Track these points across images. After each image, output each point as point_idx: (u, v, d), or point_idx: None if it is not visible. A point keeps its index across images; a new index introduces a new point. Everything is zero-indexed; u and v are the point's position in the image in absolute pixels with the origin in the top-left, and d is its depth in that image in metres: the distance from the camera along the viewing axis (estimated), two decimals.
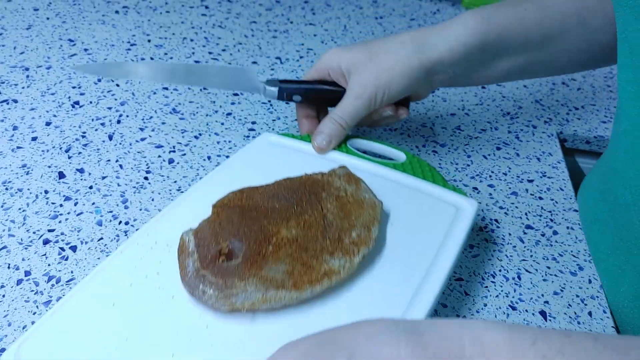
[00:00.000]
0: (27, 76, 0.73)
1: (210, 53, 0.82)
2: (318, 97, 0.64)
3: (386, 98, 0.60)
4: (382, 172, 0.59)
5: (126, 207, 0.57)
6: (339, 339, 0.33)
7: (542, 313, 0.52)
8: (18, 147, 0.63)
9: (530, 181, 0.66)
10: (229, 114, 0.70)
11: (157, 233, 0.51)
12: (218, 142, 0.66)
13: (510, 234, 0.59)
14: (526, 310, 0.52)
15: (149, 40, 0.83)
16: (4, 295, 0.48)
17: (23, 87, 0.71)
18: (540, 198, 0.64)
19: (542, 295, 0.53)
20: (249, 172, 0.58)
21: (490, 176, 0.66)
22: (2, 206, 0.56)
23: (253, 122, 0.69)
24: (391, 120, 0.65)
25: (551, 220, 0.61)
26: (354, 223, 0.50)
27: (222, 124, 0.69)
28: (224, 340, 0.44)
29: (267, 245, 0.47)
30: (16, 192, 0.57)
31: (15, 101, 0.69)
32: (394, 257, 0.50)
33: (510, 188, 0.65)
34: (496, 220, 0.60)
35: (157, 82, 0.70)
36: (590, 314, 0.52)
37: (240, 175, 0.58)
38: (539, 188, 0.65)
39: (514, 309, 0.52)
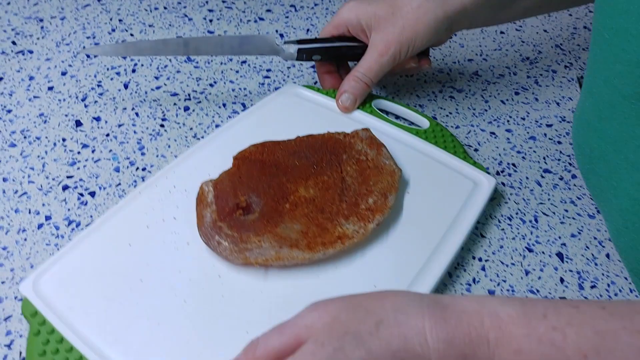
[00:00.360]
0: (42, 27, 0.73)
1: (224, 2, 0.80)
2: (338, 54, 0.63)
3: (410, 53, 0.60)
4: (403, 138, 0.58)
5: (143, 154, 0.57)
6: (368, 305, 0.35)
7: (559, 255, 0.51)
8: (35, 97, 0.63)
9: (549, 126, 0.65)
10: (243, 62, 0.70)
11: (175, 178, 0.52)
12: (233, 90, 0.65)
13: (527, 178, 0.58)
14: (543, 252, 0.52)
15: None
16: (25, 239, 0.50)
17: (38, 38, 0.71)
18: (559, 142, 0.63)
19: (559, 237, 0.53)
20: (271, 124, 0.58)
21: (508, 121, 0.65)
22: (21, 154, 0.57)
23: (268, 70, 0.69)
24: (414, 71, 0.65)
25: (570, 164, 0.60)
26: (371, 189, 0.50)
27: (237, 72, 0.68)
28: (235, 292, 0.45)
29: (285, 203, 0.48)
30: (34, 140, 0.58)
31: (31, 52, 0.69)
32: (408, 227, 0.50)
33: (528, 133, 0.64)
34: (514, 165, 0.60)
35: (173, 57, 0.69)
36: (607, 255, 0.52)
37: (262, 126, 0.58)
38: (557, 132, 0.64)
39: (530, 250, 0.52)
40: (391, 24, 0.58)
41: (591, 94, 0.53)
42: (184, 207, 0.50)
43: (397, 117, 0.64)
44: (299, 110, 0.60)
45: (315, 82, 0.67)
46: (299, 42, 0.61)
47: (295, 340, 0.34)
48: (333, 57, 0.63)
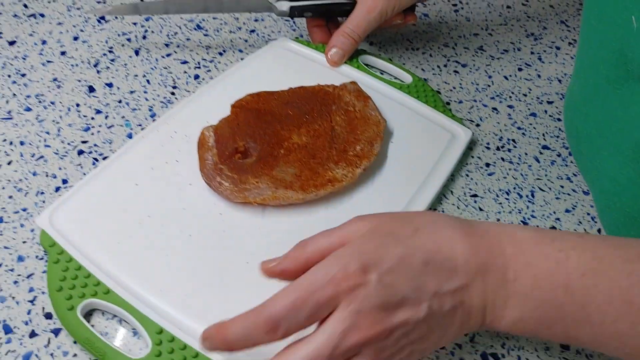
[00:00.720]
0: None
1: None
2: (328, 11, 0.66)
3: (397, 9, 0.63)
4: (387, 92, 0.63)
5: (154, 121, 0.59)
6: (406, 217, 0.41)
7: (553, 229, 0.54)
8: (48, 62, 0.64)
9: (550, 102, 0.66)
10: (252, 31, 0.71)
11: (176, 123, 0.56)
12: (242, 59, 0.67)
13: (526, 154, 0.60)
14: (537, 226, 0.54)
15: None
16: (44, 202, 0.52)
17: (49, 2, 0.71)
18: (559, 119, 0.64)
19: (554, 212, 0.55)
20: (264, 75, 0.62)
21: (510, 97, 0.67)
22: (36, 118, 0.58)
23: (276, 40, 0.70)
24: (400, 27, 0.68)
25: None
26: (359, 137, 0.54)
27: (246, 40, 0.69)
28: (236, 227, 0.49)
29: (279, 148, 0.52)
30: (49, 105, 0.60)
31: (42, 15, 0.70)
32: (392, 172, 0.55)
33: (529, 109, 0.66)
34: (513, 141, 0.62)
35: (173, 14, 0.71)
36: (599, 231, 0.54)
37: (255, 77, 0.62)
38: (558, 109, 0.66)
39: (525, 224, 0.54)
40: None
41: (579, 77, 0.55)
42: (185, 151, 0.54)
43: (382, 72, 0.67)
44: (291, 63, 0.65)
45: (301, 36, 0.68)
46: None
47: (341, 243, 0.39)
48: (323, 13, 0.67)
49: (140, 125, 0.59)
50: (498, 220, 0.54)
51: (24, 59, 0.64)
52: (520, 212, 0.55)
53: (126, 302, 0.44)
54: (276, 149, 0.52)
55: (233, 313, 0.42)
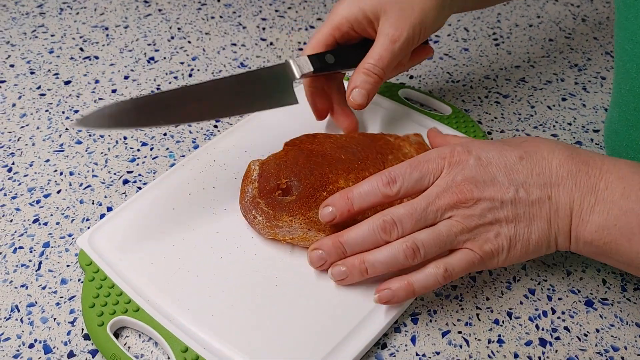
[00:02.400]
0: (107, 35, 0.78)
1: (276, 11, 0.84)
2: (352, 54, 0.56)
3: (423, 36, 0.55)
4: (426, 123, 0.62)
5: (196, 150, 0.60)
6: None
7: None
8: (100, 99, 0.67)
9: (596, 131, 0.65)
10: None
11: (215, 153, 0.58)
12: None
13: None
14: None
15: (219, 0, 0.86)
16: (88, 227, 0.53)
17: (103, 45, 0.76)
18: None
19: None
20: (304, 111, 0.61)
21: (554, 126, 0.65)
22: (86, 150, 0.61)
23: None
24: (417, 62, 0.60)
25: None
26: None
27: None
28: (267, 254, 0.49)
29: (323, 191, 0.50)
30: (98, 139, 0.62)
31: (97, 57, 0.74)
32: None
33: (574, 137, 0.64)
34: None
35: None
36: None
37: (296, 113, 0.60)
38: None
39: (572, 252, 0.52)
40: (399, 7, 0.53)
41: (618, 104, 0.53)
42: (222, 179, 0.55)
43: (422, 105, 0.67)
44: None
45: None
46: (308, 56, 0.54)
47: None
48: (347, 60, 0.56)
49: (183, 156, 0.60)
50: None
51: (78, 96, 0.68)
52: None
53: (154, 320, 0.44)
54: (319, 190, 0.50)
55: (257, 332, 0.43)
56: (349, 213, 0.46)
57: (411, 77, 0.72)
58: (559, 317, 0.47)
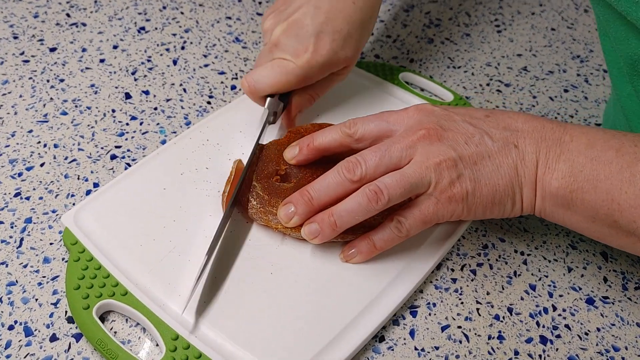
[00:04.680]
0: (95, 1, 0.74)
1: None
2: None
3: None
4: None
5: (188, 128, 0.58)
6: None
7: (603, 254, 0.51)
8: (87, 68, 0.64)
9: (598, 125, 0.64)
10: None
11: (209, 132, 0.55)
12: None
13: None
14: (587, 251, 0.51)
15: None
16: (73, 204, 0.51)
17: (91, 12, 0.72)
18: None
19: None
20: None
21: (556, 117, 0.64)
22: (72, 122, 0.58)
23: None
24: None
25: None
26: None
27: None
28: (262, 240, 0.47)
29: None
30: (85, 110, 0.59)
31: (84, 24, 0.70)
32: None
33: None
34: None
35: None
36: None
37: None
38: None
39: (574, 248, 0.51)
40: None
41: (612, 93, 0.53)
42: (216, 159, 0.53)
43: (422, 89, 0.65)
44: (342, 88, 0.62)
45: None
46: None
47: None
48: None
49: (174, 132, 0.58)
50: (544, 243, 0.51)
51: (64, 65, 0.64)
52: (568, 235, 0.52)
53: (143, 305, 0.42)
54: None
55: (251, 321, 0.41)
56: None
57: (411, 60, 0.70)
58: (559, 315, 0.46)
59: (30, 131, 0.56)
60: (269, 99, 0.53)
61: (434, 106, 0.47)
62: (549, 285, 0.48)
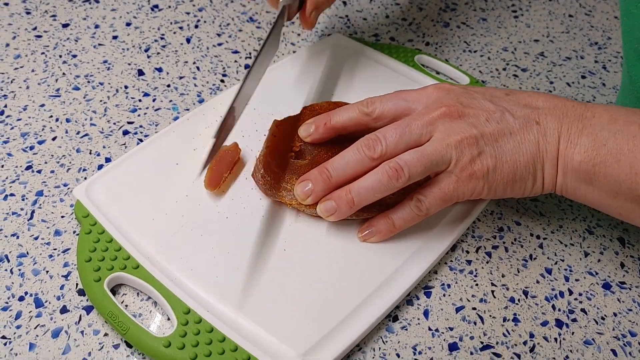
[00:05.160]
0: None
1: None
2: None
3: None
4: None
5: (201, 104, 0.57)
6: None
7: (621, 240, 0.50)
8: (100, 44, 0.64)
9: None
10: None
11: (223, 108, 0.54)
12: (294, 52, 0.65)
13: None
14: (603, 236, 0.50)
15: None
16: (85, 178, 0.50)
17: None
18: None
19: (622, 222, 0.51)
20: (315, 69, 0.60)
21: None
22: (84, 97, 0.57)
23: (329, 35, 0.68)
24: None
25: None
26: None
27: (299, 34, 0.68)
28: (274, 219, 0.47)
29: None
30: (97, 85, 0.59)
31: (97, 1, 0.69)
32: None
33: None
34: None
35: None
36: None
37: (307, 71, 0.60)
38: None
39: (590, 233, 0.50)
40: None
41: (624, 79, 0.52)
42: (229, 136, 0.50)
43: (438, 72, 0.64)
44: (343, 59, 0.62)
45: (355, 33, 0.66)
46: None
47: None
48: None
49: (187, 109, 0.57)
50: (560, 227, 0.50)
51: (76, 40, 0.64)
52: (584, 220, 0.51)
53: (155, 279, 0.41)
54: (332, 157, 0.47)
55: (263, 297, 0.41)
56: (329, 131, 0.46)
57: (427, 43, 0.69)
58: (575, 299, 0.45)
59: (42, 105, 0.56)
60: None
61: (453, 84, 0.46)
62: (565, 270, 0.47)
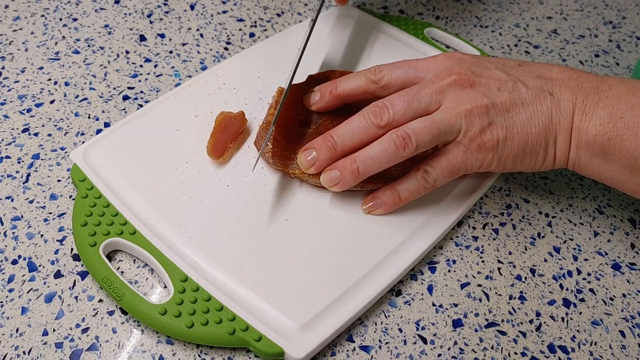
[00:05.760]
0: None
1: None
2: None
3: None
4: None
5: (204, 71, 0.56)
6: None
7: (631, 220, 0.48)
8: (101, 8, 0.62)
9: None
10: None
11: (226, 75, 0.53)
12: (300, 22, 0.63)
13: None
14: (614, 216, 0.49)
15: None
16: (83, 142, 0.49)
17: None
18: None
19: (633, 203, 0.50)
20: (324, 39, 0.59)
21: None
22: (84, 61, 0.56)
23: (337, 5, 0.66)
24: None
25: None
26: None
27: (306, 4, 0.66)
28: (275, 188, 0.45)
29: None
30: (98, 50, 0.57)
31: None
32: None
33: None
34: None
35: None
36: None
37: (314, 40, 0.57)
38: None
39: (600, 212, 0.49)
40: None
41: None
42: (231, 103, 0.51)
43: (448, 47, 0.63)
44: (351, 30, 0.60)
45: (364, 4, 0.65)
46: None
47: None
48: None
49: (190, 76, 0.55)
50: (570, 206, 0.49)
51: (77, 4, 0.62)
52: (595, 200, 0.50)
53: (152, 245, 0.40)
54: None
55: (263, 267, 0.40)
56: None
57: (437, 17, 0.67)
58: (584, 279, 0.44)
59: (41, 68, 0.54)
60: None
61: (464, 54, 0.45)
62: (574, 249, 0.46)
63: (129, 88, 0.54)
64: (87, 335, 0.38)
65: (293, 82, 0.48)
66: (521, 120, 0.41)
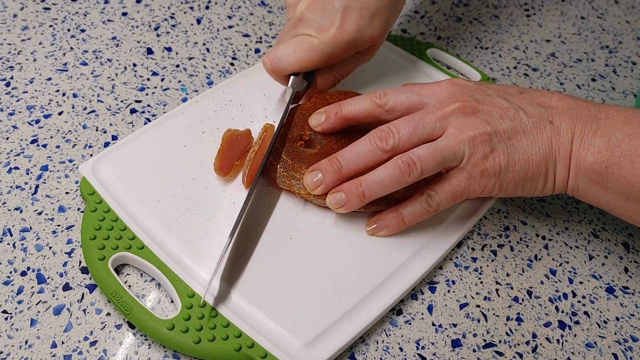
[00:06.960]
0: None
1: None
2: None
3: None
4: None
5: (211, 87, 0.57)
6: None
7: (625, 244, 0.50)
8: (109, 20, 0.63)
9: None
10: None
11: (233, 92, 0.54)
12: None
13: None
14: (608, 240, 0.50)
15: None
16: (91, 155, 0.50)
17: None
18: None
19: (627, 227, 0.51)
20: None
21: None
22: (92, 73, 0.56)
23: None
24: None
25: None
26: None
27: None
28: (280, 207, 0.46)
29: None
30: (105, 62, 0.58)
31: None
32: None
33: None
34: None
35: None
36: None
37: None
38: None
39: (595, 236, 0.50)
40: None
41: None
42: (238, 120, 0.52)
43: (449, 67, 0.64)
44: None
45: None
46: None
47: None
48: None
49: (196, 91, 0.56)
50: (566, 229, 0.50)
51: (85, 15, 0.63)
52: (590, 223, 0.51)
53: (160, 261, 0.41)
54: (343, 147, 0.46)
55: (267, 284, 0.40)
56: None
57: (439, 37, 0.68)
58: (579, 301, 0.45)
59: (49, 79, 0.55)
60: (292, 77, 0.50)
61: (467, 80, 0.46)
62: (570, 272, 0.47)
63: (136, 101, 0.54)
64: (95, 349, 0.39)
65: (299, 104, 0.49)
66: (522, 148, 0.42)
